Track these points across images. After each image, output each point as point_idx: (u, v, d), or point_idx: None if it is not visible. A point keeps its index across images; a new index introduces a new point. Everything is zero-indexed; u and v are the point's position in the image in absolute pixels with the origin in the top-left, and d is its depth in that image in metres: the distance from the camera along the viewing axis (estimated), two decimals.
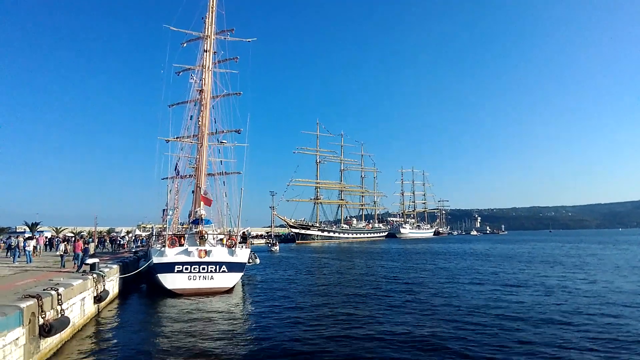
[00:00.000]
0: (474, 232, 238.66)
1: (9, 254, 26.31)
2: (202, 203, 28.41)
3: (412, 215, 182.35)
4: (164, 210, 35.83)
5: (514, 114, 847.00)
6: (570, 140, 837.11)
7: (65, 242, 24.29)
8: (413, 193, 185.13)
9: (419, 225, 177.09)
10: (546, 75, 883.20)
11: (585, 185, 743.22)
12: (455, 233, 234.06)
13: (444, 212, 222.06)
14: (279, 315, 16.88)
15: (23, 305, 9.84)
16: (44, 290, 11.85)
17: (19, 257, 23.93)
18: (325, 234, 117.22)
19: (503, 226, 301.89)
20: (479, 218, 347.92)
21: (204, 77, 31.04)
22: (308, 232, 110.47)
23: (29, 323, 9.97)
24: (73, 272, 17.53)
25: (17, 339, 9.26)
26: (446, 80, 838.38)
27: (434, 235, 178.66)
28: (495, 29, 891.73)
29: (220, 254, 23.51)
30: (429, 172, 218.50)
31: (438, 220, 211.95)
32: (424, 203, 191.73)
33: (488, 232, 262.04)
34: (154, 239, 31.21)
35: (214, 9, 31.37)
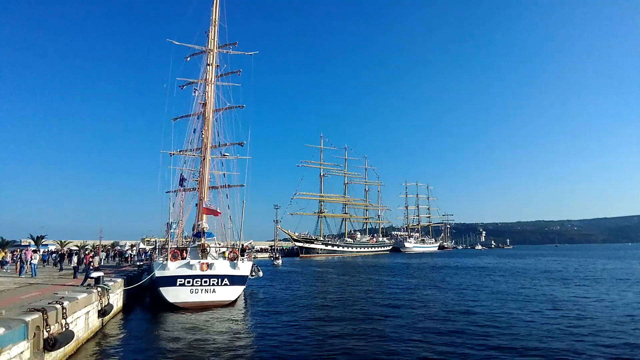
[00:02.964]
0: (478, 247, 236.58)
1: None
2: (204, 216, 28.56)
3: (416, 229, 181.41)
4: (167, 223, 36.03)
5: (519, 127, 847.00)
6: (576, 154, 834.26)
7: (77, 255, 24.98)
8: (417, 207, 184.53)
9: (423, 240, 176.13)
10: (552, 87, 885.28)
11: (591, 200, 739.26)
12: (460, 247, 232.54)
13: (448, 226, 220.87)
14: (280, 330, 16.85)
15: (28, 318, 9.92)
16: (48, 303, 11.93)
17: (25, 271, 24.07)
18: (329, 247, 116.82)
19: (508, 240, 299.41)
20: (484, 232, 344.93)
21: (207, 90, 31.43)
22: (312, 245, 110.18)
23: (34, 337, 10.05)
24: (78, 286, 17.62)
25: (21, 352, 9.33)
26: (451, 93, 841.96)
27: (438, 249, 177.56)
28: (504, 41, 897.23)
29: (222, 267, 23.57)
30: (433, 186, 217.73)
31: (442, 234, 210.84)
32: (429, 217, 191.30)
33: (493, 246, 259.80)
34: (157, 252, 31.30)
35: (217, 22, 31.82)
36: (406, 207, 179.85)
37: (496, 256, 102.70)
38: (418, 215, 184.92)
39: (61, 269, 28.37)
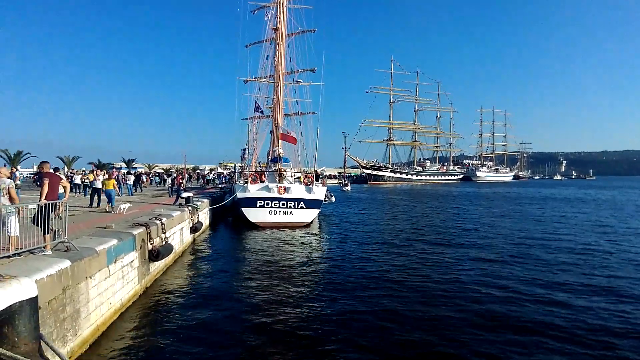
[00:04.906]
0: (557, 177, 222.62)
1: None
2: (280, 142, 29.15)
3: (490, 158, 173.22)
4: (243, 149, 37.41)
5: (605, 48, 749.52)
6: None
7: (171, 177, 27.42)
8: (492, 134, 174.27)
9: (497, 169, 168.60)
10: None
11: None
12: (536, 177, 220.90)
13: (525, 155, 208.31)
14: (352, 252, 17.40)
15: (135, 232, 10.97)
16: (149, 219, 13.07)
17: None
18: (398, 175, 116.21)
19: (591, 171, 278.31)
20: (564, 162, 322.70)
21: (278, 13, 30.61)
22: (380, 173, 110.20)
23: (140, 248, 11.16)
24: (171, 205, 19.10)
25: (132, 261, 10.45)
26: (529, 15, 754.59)
27: (513, 179, 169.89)
28: None
29: (298, 191, 24.40)
30: (511, 112, 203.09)
31: (519, 163, 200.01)
32: (504, 145, 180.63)
33: (573, 176, 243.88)
34: (237, 175, 32.94)
35: None
36: (480, 134, 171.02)
37: (576, 187, 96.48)
38: (493, 144, 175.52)
39: (140, 190, 29.97)
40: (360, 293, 11.43)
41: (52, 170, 10.17)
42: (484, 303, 10.61)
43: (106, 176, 18.26)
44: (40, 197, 7.89)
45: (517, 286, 12.03)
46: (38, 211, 7.54)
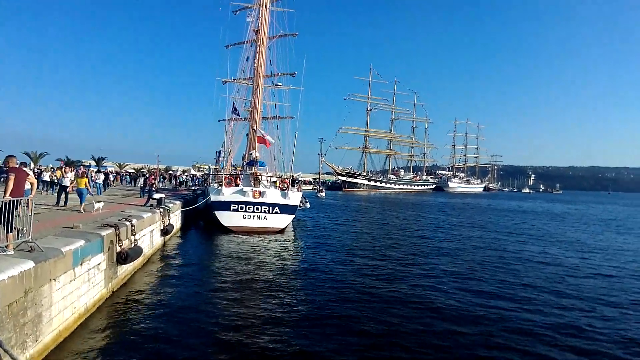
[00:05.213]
0: (526, 190, 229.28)
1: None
2: (257, 145, 28.88)
3: (462, 169, 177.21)
4: (218, 151, 36.93)
5: (574, 66, 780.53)
6: (637, 98, 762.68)
7: (143, 177, 26.80)
8: (465, 146, 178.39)
9: (468, 180, 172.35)
10: (613, 23, 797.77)
11: None
12: (506, 190, 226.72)
13: (496, 167, 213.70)
14: (325, 259, 17.46)
15: (103, 233, 10.56)
16: (119, 220, 12.64)
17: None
18: (372, 183, 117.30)
19: (558, 185, 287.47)
20: (533, 176, 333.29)
21: (260, 15, 30.45)
22: (355, 180, 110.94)
23: (108, 250, 10.76)
24: (141, 206, 18.59)
25: (98, 264, 10.06)
26: (506, 32, 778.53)
27: (483, 190, 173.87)
28: None
29: (273, 195, 24.18)
30: (484, 125, 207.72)
31: (489, 175, 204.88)
32: (476, 157, 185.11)
33: (541, 190, 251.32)
34: (211, 178, 32.44)
35: None
36: (453, 146, 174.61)
37: (543, 200, 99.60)
38: (465, 155, 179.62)
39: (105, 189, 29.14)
40: (330, 302, 11.38)
41: (18, 165, 9.72)
42: (449, 310, 10.81)
43: (72, 174, 17.66)
44: (5, 193, 7.51)
45: (483, 296, 12.28)
46: (1, 208, 7.16)
